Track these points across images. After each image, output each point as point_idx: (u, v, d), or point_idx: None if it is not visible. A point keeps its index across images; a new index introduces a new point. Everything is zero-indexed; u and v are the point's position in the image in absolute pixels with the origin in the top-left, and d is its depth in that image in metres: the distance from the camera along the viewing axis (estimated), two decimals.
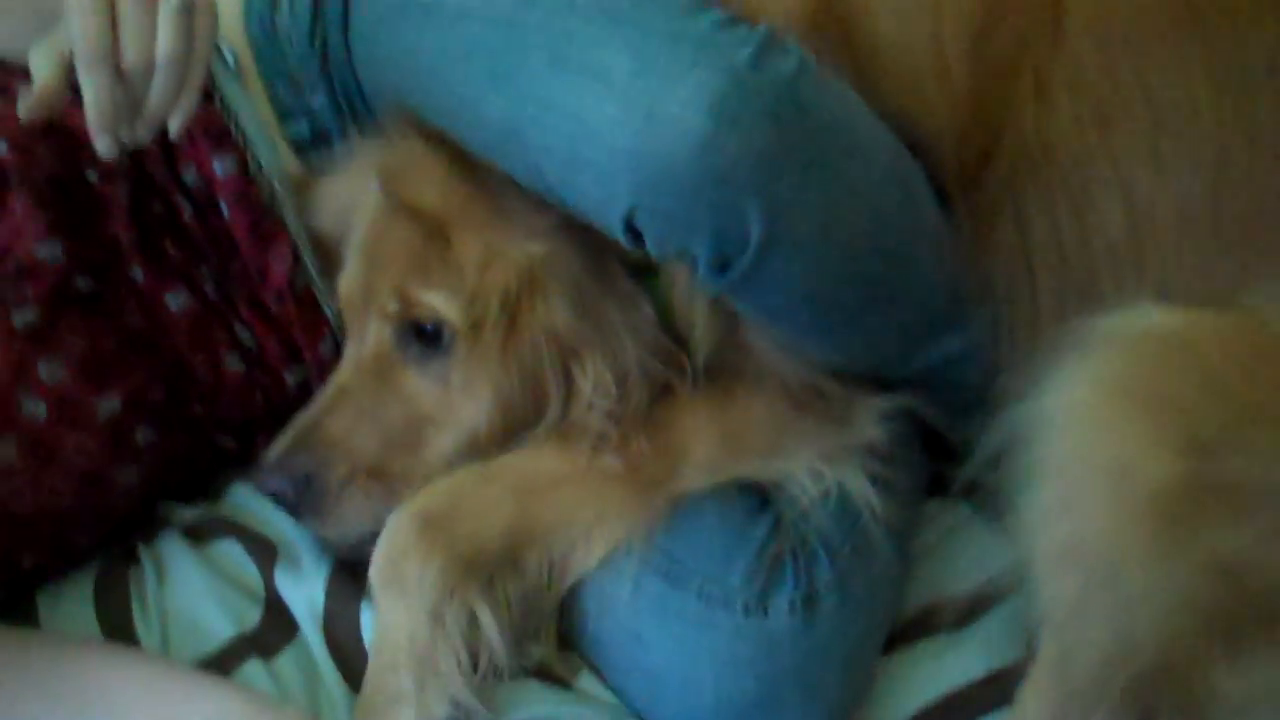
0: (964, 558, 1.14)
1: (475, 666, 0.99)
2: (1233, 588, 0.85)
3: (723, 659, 0.97)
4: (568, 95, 0.90)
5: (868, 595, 1.03)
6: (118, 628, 1.08)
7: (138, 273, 1.11)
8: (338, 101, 1.21)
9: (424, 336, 1.06)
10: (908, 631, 1.10)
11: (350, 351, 1.11)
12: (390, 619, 0.99)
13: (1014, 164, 1.02)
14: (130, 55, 0.93)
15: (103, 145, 0.95)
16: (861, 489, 1.03)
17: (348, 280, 1.10)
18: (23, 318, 1.04)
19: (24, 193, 1.05)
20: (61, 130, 1.09)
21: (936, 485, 1.18)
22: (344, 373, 1.10)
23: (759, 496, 1.04)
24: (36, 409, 1.04)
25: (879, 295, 1.00)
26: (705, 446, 1.04)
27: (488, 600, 0.99)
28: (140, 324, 1.11)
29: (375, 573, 1.00)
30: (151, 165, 1.13)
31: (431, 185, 1.05)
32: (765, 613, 0.98)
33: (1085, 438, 0.88)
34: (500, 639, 0.99)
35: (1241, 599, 0.86)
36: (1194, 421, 0.85)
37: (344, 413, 1.07)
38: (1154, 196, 0.98)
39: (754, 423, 1.05)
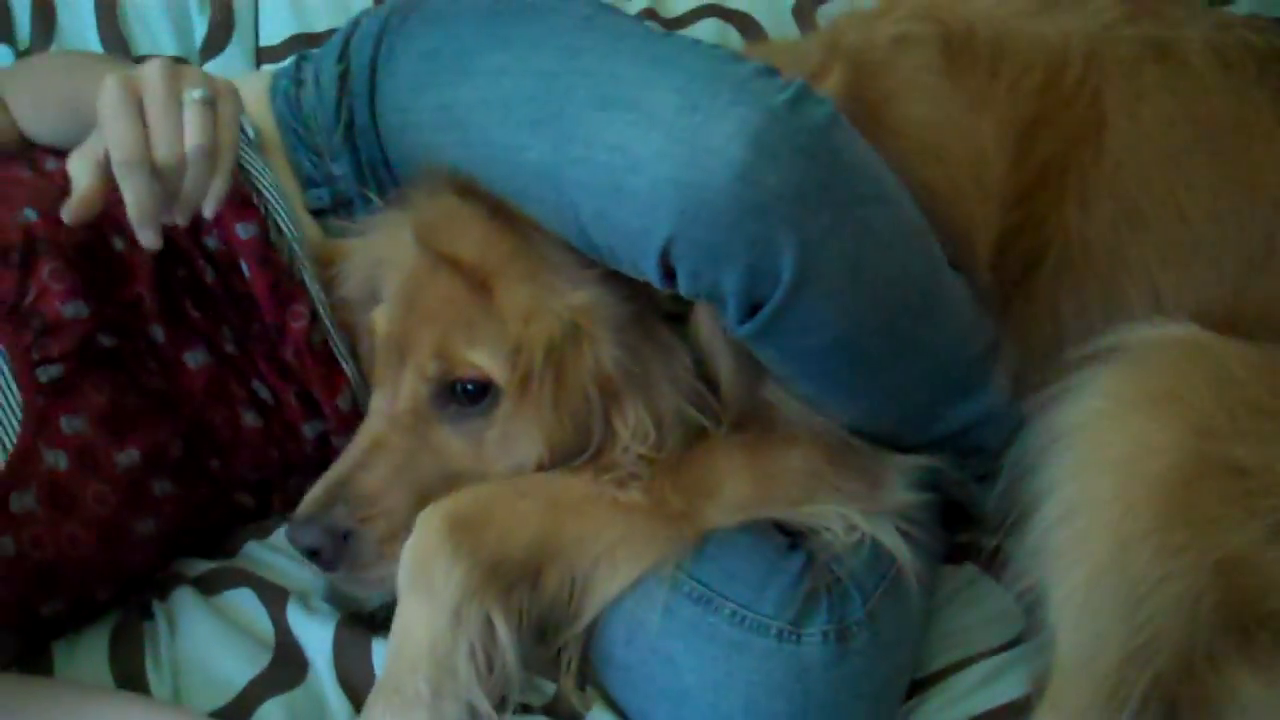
0: (976, 615, 1.15)
1: (490, 678, 1.00)
2: (1241, 582, 0.88)
3: (755, 681, 0.98)
4: (613, 132, 0.95)
5: (896, 638, 1.04)
6: (130, 679, 1.09)
7: (158, 332, 1.16)
8: (361, 170, 1.27)
9: (462, 395, 1.08)
10: (925, 682, 1.10)
11: (380, 404, 1.12)
12: (413, 618, 1.00)
13: (1058, 265, 1.09)
14: (162, 154, 0.99)
15: (146, 239, 1.00)
16: (894, 542, 1.05)
17: (385, 319, 1.12)
18: (47, 373, 1.08)
19: (52, 257, 1.10)
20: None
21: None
22: (376, 425, 1.11)
23: (790, 538, 1.06)
24: (57, 460, 1.07)
25: (902, 349, 1.03)
26: (736, 486, 1.06)
27: (505, 609, 1.00)
28: (159, 382, 1.15)
29: (402, 573, 1.01)
30: (175, 232, 1.17)
31: (471, 239, 1.08)
32: (798, 640, 0.99)
33: (1097, 439, 0.93)
34: (514, 650, 1.00)
35: (1250, 595, 0.88)
36: (1202, 411, 0.90)
37: (377, 467, 1.08)
38: (1179, 296, 1.07)
39: (788, 469, 1.07)
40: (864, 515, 1.05)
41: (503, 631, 0.99)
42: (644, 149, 0.93)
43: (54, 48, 1.62)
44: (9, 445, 1.06)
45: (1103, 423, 0.95)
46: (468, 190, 1.10)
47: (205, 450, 1.18)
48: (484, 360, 1.06)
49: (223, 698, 1.06)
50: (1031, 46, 1.11)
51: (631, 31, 1.07)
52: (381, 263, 1.16)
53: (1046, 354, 1.08)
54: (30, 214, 1.11)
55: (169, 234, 1.14)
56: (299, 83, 1.30)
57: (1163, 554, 0.89)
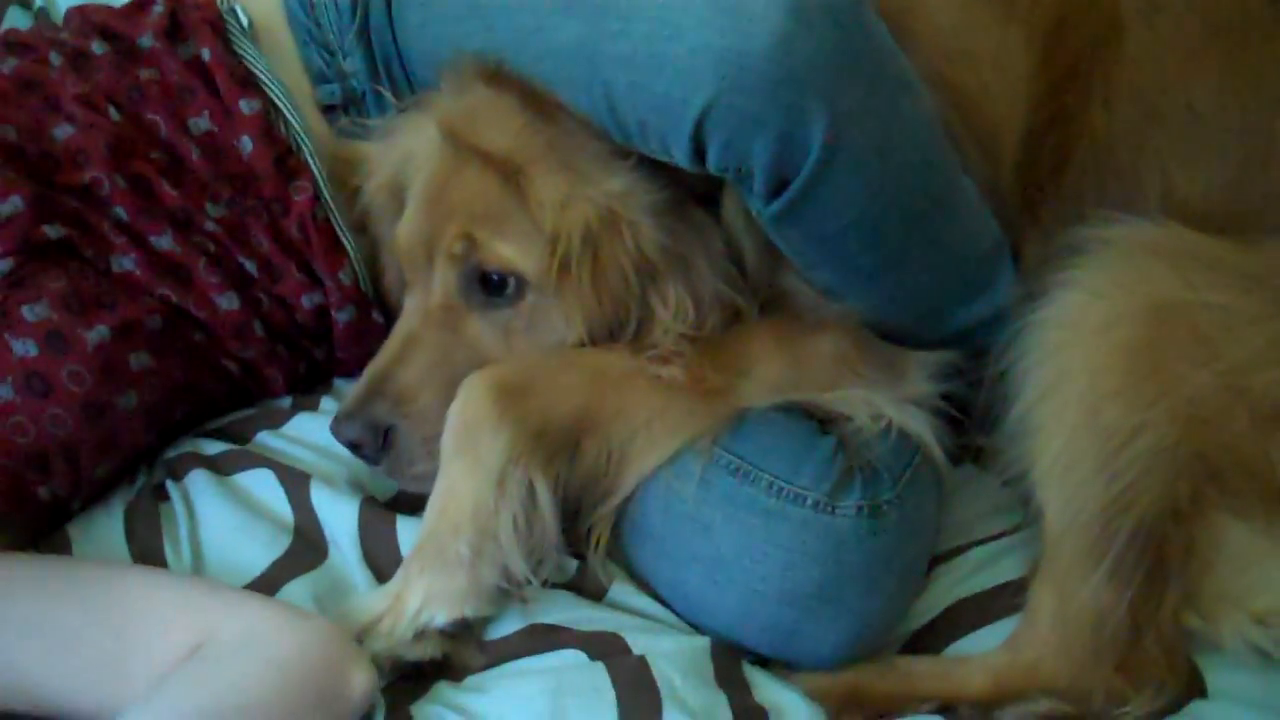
0: (975, 508, 1.23)
1: (529, 544, 1.05)
2: (1213, 431, 0.97)
3: (790, 547, 1.04)
4: (652, 3, 0.99)
5: (921, 519, 1.11)
6: (149, 558, 1.12)
7: (121, 213, 1.18)
8: (374, 66, 1.30)
9: (489, 285, 1.12)
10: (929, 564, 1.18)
11: (413, 302, 1.16)
12: (457, 483, 1.05)
13: (1083, 161, 1.17)
14: None
15: None
16: (920, 429, 1.11)
17: (408, 229, 1.15)
18: None
19: None
20: (38, 94, 1.19)
21: None
22: (410, 322, 1.15)
23: (819, 422, 1.12)
24: (26, 348, 1.11)
25: (918, 239, 1.09)
26: (769, 368, 1.11)
27: (547, 477, 1.04)
28: (128, 264, 1.18)
29: (448, 438, 1.06)
30: (152, 116, 1.22)
31: (504, 131, 1.10)
32: (833, 511, 1.05)
33: (1068, 324, 1.02)
34: (553, 517, 1.05)
35: (1224, 443, 0.97)
36: (1164, 287, 1.00)
37: (414, 362, 1.13)
38: (1187, 188, 1.15)
39: (817, 354, 1.13)
40: (890, 402, 1.11)
41: (544, 498, 1.05)
42: (685, 16, 0.97)
43: None
44: None
45: (1073, 311, 1.03)
46: (496, 78, 1.12)
47: (186, 325, 1.21)
48: (512, 253, 1.10)
49: (243, 579, 1.10)
50: None
51: None
52: (406, 162, 1.19)
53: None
54: None
55: (141, 118, 1.20)
56: None
57: (1133, 408, 0.98)
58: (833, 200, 1.02)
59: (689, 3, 0.97)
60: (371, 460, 1.13)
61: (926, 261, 1.11)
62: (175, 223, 1.20)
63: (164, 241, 1.20)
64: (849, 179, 1.01)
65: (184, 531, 1.13)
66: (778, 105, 0.96)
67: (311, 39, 1.31)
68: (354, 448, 1.13)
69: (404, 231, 1.16)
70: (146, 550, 1.13)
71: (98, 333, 1.14)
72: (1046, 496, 1.03)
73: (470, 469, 1.04)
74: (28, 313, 1.11)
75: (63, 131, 1.18)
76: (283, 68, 1.29)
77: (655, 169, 1.08)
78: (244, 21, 1.30)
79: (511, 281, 1.11)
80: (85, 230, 1.17)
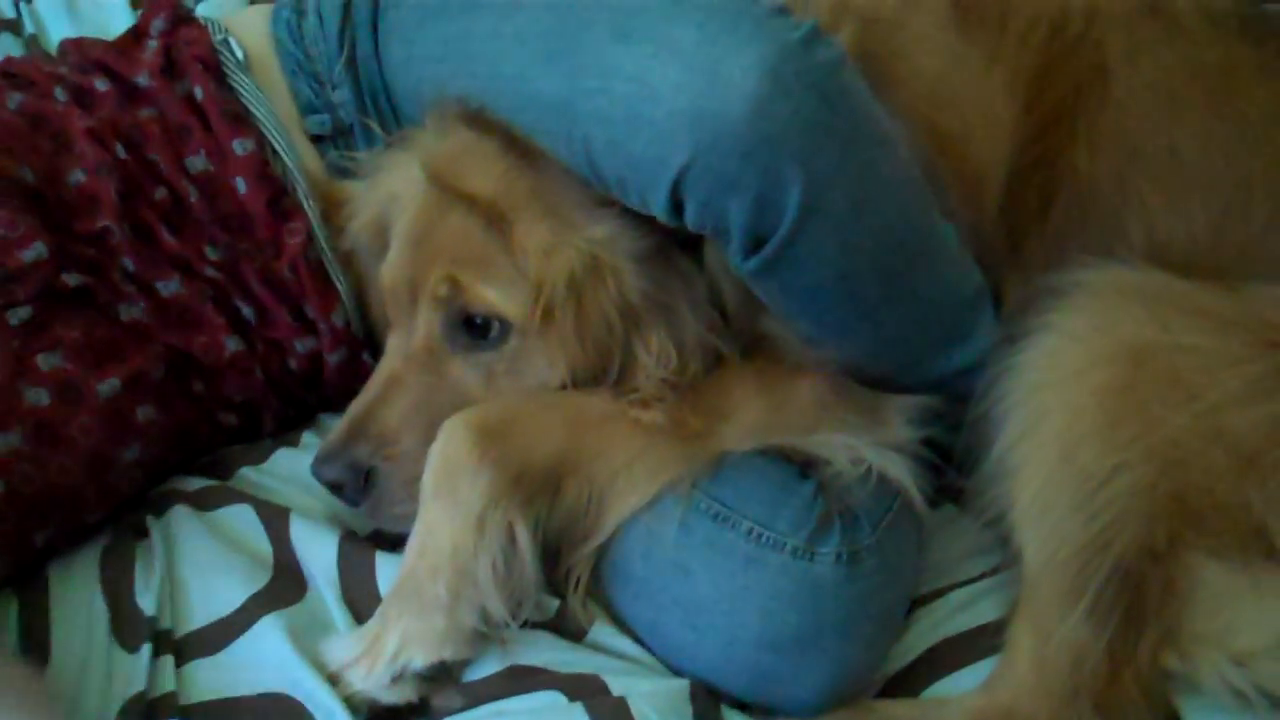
0: (955, 550, 1.24)
1: (508, 586, 1.05)
2: (1190, 473, 0.98)
3: (769, 593, 1.05)
4: (631, 63, 1.00)
5: (900, 564, 1.11)
6: (118, 597, 1.12)
7: (129, 263, 1.19)
8: (362, 99, 1.32)
9: (472, 328, 1.13)
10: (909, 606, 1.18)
11: (396, 343, 1.18)
12: (436, 525, 1.05)
13: (1067, 204, 1.19)
14: None
15: None
16: (900, 474, 1.12)
17: (392, 269, 1.17)
18: (17, 316, 1.12)
19: (2, 204, 1.13)
20: (47, 131, 1.20)
21: None
22: (393, 363, 1.17)
23: (800, 467, 1.13)
24: (39, 397, 1.11)
25: (897, 292, 1.10)
26: (749, 412, 1.12)
27: (526, 520, 1.05)
28: (137, 311, 1.19)
29: (428, 478, 1.06)
30: (152, 155, 1.22)
31: (488, 175, 1.12)
32: (812, 558, 1.06)
33: (1045, 368, 1.04)
34: (533, 559, 1.06)
35: (1201, 484, 0.98)
36: (1140, 331, 1.02)
37: (396, 403, 1.14)
38: (1171, 229, 1.17)
39: (798, 399, 1.14)
40: (870, 447, 1.12)
41: (524, 541, 1.05)
42: (662, 80, 0.98)
43: None
44: None
45: (1051, 355, 1.05)
46: (479, 122, 1.14)
47: (188, 374, 1.22)
48: (495, 297, 1.11)
49: (220, 611, 1.10)
50: (1035, 4, 1.22)
51: None
52: (391, 201, 1.20)
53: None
54: None
55: (142, 156, 1.21)
56: (300, 13, 1.34)
57: (1110, 449, 0.99)
58: (809, 258, 1.03)
59: (668, 65, 0.98)
60: (351, 502, 1.14)
61: (905, 314, 1.12)
62: (181, 269, 1.21)
63: (171, 286, 1.21)
64: (825, 238, 1.02)
65: (159, 567, 1.13)
66: (754, 168, 0.97)
67: (300, 69, 1.33)
68: (334, 489, 1.14)
69: (388, 272, 1.17)
70: (115, 587, 1.12)
71: (109, 385, 1.15)
72: (1024, 536, 1.04)
73: (449, 511, 1.05)
74: (42, 362, 1.12)
75: (75, 178, 1.19)
76: (273, 99, 1.31)
77: (639, 216, 1.09)
78: (238, 55, 1.31)
79: (495, 325, 1.12)
80: (100, 278, 1.17)
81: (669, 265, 1.12)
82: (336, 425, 1.15)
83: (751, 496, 1.08)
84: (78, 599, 1.12)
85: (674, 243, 1.12)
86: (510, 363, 1.13)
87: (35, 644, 1.08)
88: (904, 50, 1.19)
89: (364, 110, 1.32)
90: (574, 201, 1.10)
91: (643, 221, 1.09)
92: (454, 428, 1.07)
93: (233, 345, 1.23)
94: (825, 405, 1.13)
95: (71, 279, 1.15)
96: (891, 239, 1.07)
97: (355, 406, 1.15)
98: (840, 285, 1.07)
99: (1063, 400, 1.02)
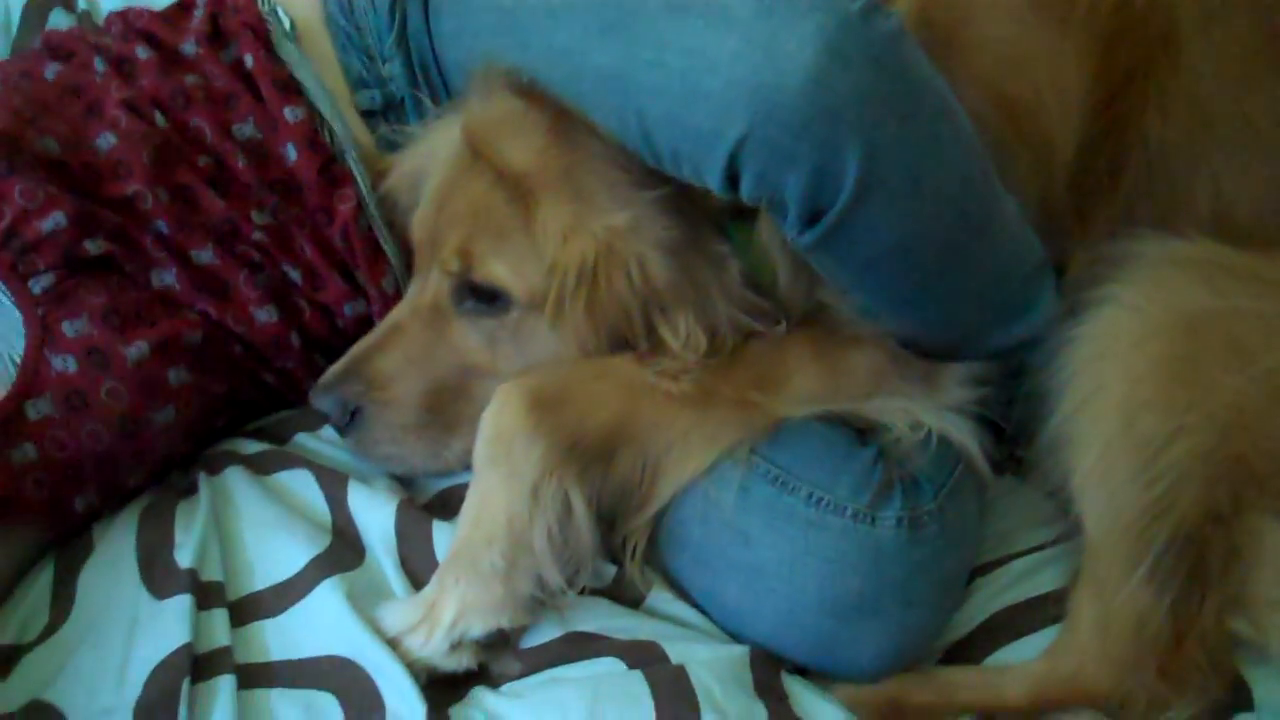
0: (1016, 520, 1.25)
1: (564, 555, 1.07)
2: (1251, 436, 0.99)
3: (830, 557, 1.07)
4: (688, 35, 1.01)
5: (961, 530, 1.13)
6: (153, 545, 1.15)
7: (162, 226, 1.22)
8: (413, 72, 1.34)
9: (479, 293, 1.16)
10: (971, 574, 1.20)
11: (412, 290, 1.22)
12: (491, 494, 1.08)
13: (1137, 170, 1.20)
14: None
15: None
16: (960, 438, 1.14)
17: (419, 224, 1.21)
18: (40, 284, 1.15)
19: (23, 175, 1.16)
20: (80, 100, 1.22)
21: None
22: (401, 311, 1.21)
23: (859, 433, 1.14)
24: (66, 364, 1.15)
25: (956, 263, 1.11)
26: (805, 379, 1.14)
27: (581, 488, 1.07)
28: (168, 279, 1.22)
29: (481, 447, 1.09)
30: (197, 122, 1.25)
31: (525, 148, 1.13)
32: (873, 522, 1.08)
33: (1103, 339, 1.05)
34: (589, 528, 1.08)
35: (1262, 448, 0.99)
36: (1196, 301, 1.03)
37: (395, 351, 1.19)
38: (1236, 196, 1.19)
39: (853, 366, 1.16)
40: (928, 410, 1.13)
41: (579, 509, 1.07)
42: (720, 51, 0.99)
43: None
44: (16, 358, 1.13)
45: (1109, 326, 1.06)
46: (528, 93, 1.15)
47: (226, 338, 1.25)
48: (505, 272, 1.13)
49: (281, 574, 1.12)
50: None
51: None
52: (429, 158, 1.23)
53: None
54: None
55: (184, 127, 1.24)
56: None
57: (1169, 415, 1.00)
58: (867, 231, 1.04)
59: (725, 36, 0.99)
60: (340, 432, 1.19)
61: (964, 286, 1.13)
62: (217, 235, 1.24)
63: (204, 255, 1.23)
64: (883, 211, 1.03)
65: (200, 522, 1.15)
66: (811, 140, 0.98)
67: (351, 43, 1.36)
68: (325, 417, 1.19)
69: (416, 225, 1.21)
70: (151, 540, 1.15)
71: (137, 349, 1.17)
72: (1085, 504, 1.06)
73: (504, 480, 1.07)
74: (68, 328, 1.15)
75: (105, 141, 1.21)
76: (323, 71, 1.33)
77: (673, 201, 1.10)
78: (286, 24, 1.34)
79: (500, 296, 1.15)
80: (127, 245, 1.20)
81: (702, 251, 1.13)
82: (337, 361, 1.20)
83: (811, 461, 1.10)
84: (111, 552, 1.16)
85: (710, 227, 1.13)
86: (513, 331, 1.16)
87: (63, 592, 1.12)
88: (971, 18, 1.19)
89: (414, 84, 1.34)
90: (606, 185, 1.11)
91: (674, 207, 1.11)
92: (507, 395, 1.09)
93: (263, 317, 1.26)
94: (880, 372, 1.15)
95: (95, 246, 1.18)
96: (951, 211, 1.08)
97: (358, 346, 1.20)
98: (898, 258, 1.08)
99: (1121, 370, 1.04)
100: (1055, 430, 1.08)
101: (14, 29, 1.64)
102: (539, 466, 1.06)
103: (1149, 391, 1.01)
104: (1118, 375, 1.04)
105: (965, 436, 1.14)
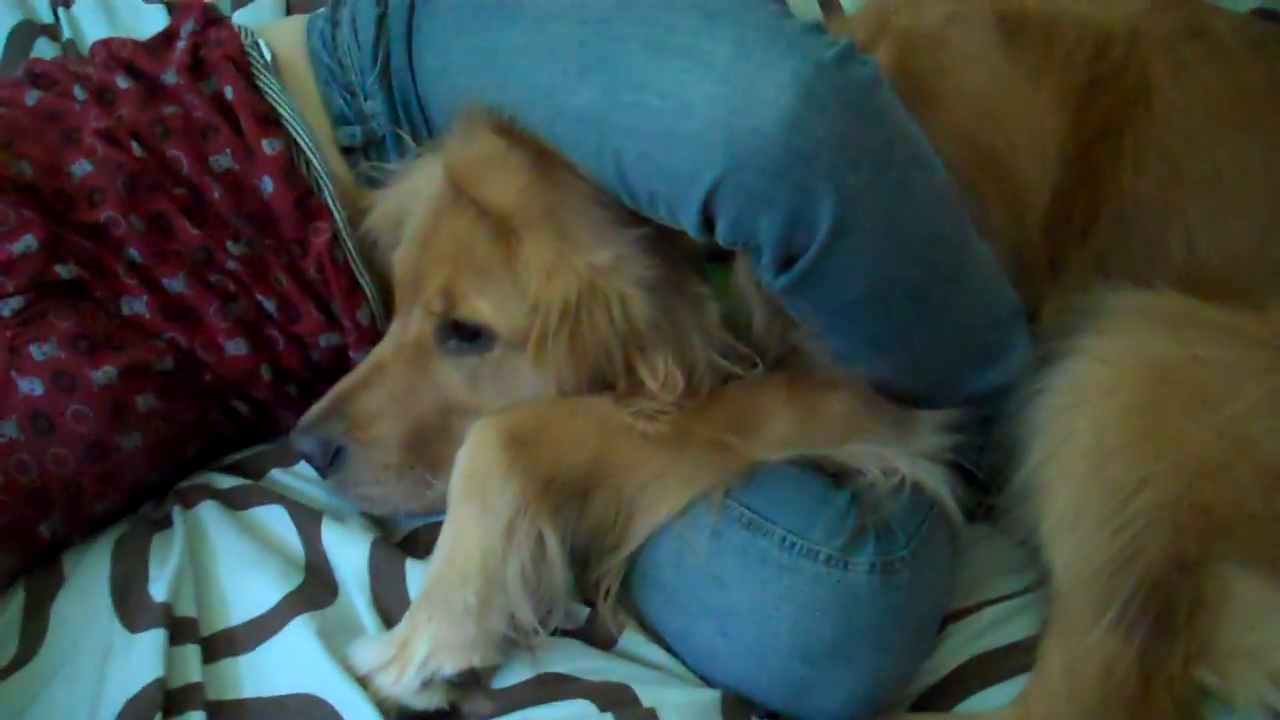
0: (988, 566, 1.25)
1: (537, 594, 1.08)
2: (1217, 486, 1.01)
3: (802, 602, 1.08)
4: (666, 77, 1.03)
5: (934, 576, 1.14)
6: (128, 578, 1.15)
7: (134, 254, 1.23)
8: (394, 109, 1.36)
9: (462, 331, 1.17)
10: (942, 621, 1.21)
11: (394, 329, 1.23)
12: (465, 531, 1.08)
13: (1111, 220, 1.23)
14: None
15: None
16: (932, 485, 1.15)
17: (401, 262, 1.22)
18: (9, 306, 1.17)
19: None
20: (57, 127, 1.23)
21: None
22: (384, 350, 1.22)
23: (833, 478, 1.15)
24: (33, 386, 1.16)
25: (929, 310, 1.13)
26: (780, 423, 1.15)
27: (556, 527, 1.08)
28: (138, 306, 1.22)
29: (456, 483, 1.10)
30: (174, 153, 1.26)
31: (507, 187, 1.15)
32: (846, 567, 1.08)
33: (1071, 389, 1.08)
34: (562, 567, 1.09)
35: (1228, 497, 1.01)
36: (1163, 352, 1.05)
37: (378, 390, 1.19)
38: (1209, 247, 1.22)
39: (828, 410, 1.17)
40: (901, 456, 1.14)
41: (553, 548, 1.08)
42: (697, 94, 1.01)
43: None
44: None
45: (1079, 376, 1.08)
46: (508, 131, 1.17)
47: (196, 365, 1.26)
48: (486, 309, 1.15)
49: (253, 611, 1.13)
50: (1080, 24, 1.26)
51: None
52: (411, 196, 1.25)
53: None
54: None
55: (164, 155, 1.25)
56: (335, 23, 1.39)
57: (1136, 463, 1.02)
58: (840, 276, 1.06)
59: (702, 79, 1.01)
60: (322, 474, 1.19)
61: (937, 333, 1.15)
62: (191, 264, 1.25)
63: (176, 284, 1.24)
64: (856, 256, 1.05)
65: (176, 556, 1.15)
66: (786, 185, 1.00)
67: (333, 78, 1.37)
68: (306, 458, 1.19)
69: (398, 262, 1.22)
70: (126, 573, 1.16)
71: (104, 373, 1.18)
72: (1054, 550, 1.07)
73: (478, 517, 1.08)
74: (35, 351, 1.16)
75: (81, 168, 1.23)
76: (304, 107, 1.35)
77: (654, 241, 1.12)
78: (267, 57, 1.35)
79: (484, 334, 1.16)
80: (98, 270, 1.21)
81: (681, 291, 1.14)
82: (318, 402, 1.20)
83: (785, 505, 1.11)
84: (84, 582, 1.17)
85: (688, 267, 1.15)
86: (495, 369, 1.17)
87: (34, 621, 1.13)
88: (947, 68, 1.23)
89: (396, 121, 1.36)
90: (588, 223, 1.13)
91: (655, 247, 1.12)
92: (483, 432, 1.10)
93: (233, 348, 1.26)
94: (855, 416, 1.16)
95: (65, 270, 1.19)
96: (924, 256, 1.10)
97: (340, 385, 1.21)
98: (872, 303, 1.09)
99: (1090, 419, 1.06)
100: (1025, 478, 1.11)
101: None
102: (514, 504, 1.07)
103: (1117, 439, 1.03)
104: (1087, 424, 1.06)
105: (938, 483, 1.15)
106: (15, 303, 1.16)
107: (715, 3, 1.08)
